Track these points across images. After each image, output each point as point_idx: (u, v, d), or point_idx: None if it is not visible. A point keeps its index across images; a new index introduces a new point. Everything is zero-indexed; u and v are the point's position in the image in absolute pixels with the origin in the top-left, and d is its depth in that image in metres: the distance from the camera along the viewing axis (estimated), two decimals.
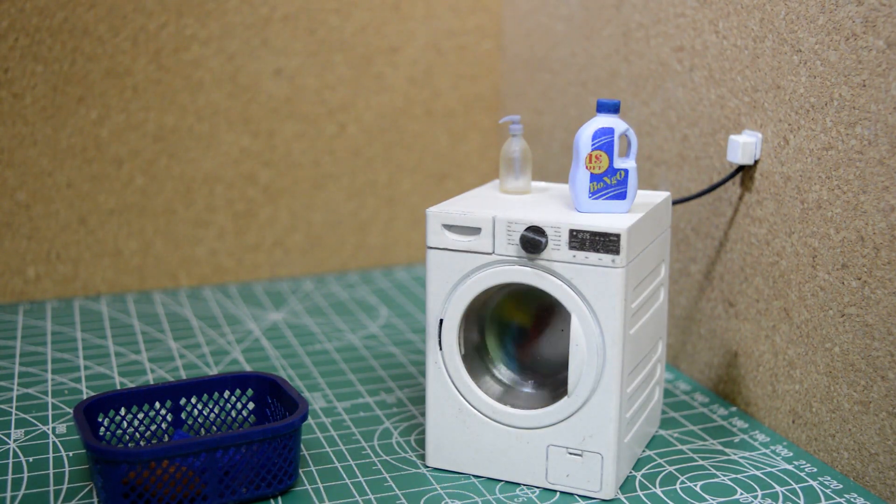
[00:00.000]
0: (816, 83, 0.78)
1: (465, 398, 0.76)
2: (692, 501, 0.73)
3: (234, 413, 0.83)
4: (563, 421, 0.73)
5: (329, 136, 1.31)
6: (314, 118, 1.29)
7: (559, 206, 0.75)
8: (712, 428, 0.86)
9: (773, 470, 0.78)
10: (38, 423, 0.87)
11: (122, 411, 0.79)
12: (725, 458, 0.80)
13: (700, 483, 0.76)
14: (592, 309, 0.70)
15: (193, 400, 0.82)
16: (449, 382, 0.76)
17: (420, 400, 0.92)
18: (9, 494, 0.74)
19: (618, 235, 0.68)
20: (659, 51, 0.94)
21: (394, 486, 0.76)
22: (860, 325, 0.75)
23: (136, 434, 0.80)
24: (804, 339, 0.81)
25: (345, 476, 0.78)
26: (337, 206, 1.33)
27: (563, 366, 0.76)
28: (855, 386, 0.76)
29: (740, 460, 0.80)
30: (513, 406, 0.75)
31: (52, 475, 0.77)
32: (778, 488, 0.75)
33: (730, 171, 0.88)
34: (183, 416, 0.81)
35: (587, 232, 0.69)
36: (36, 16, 1.15)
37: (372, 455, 0.81)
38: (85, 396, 0.92)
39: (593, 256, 0.69)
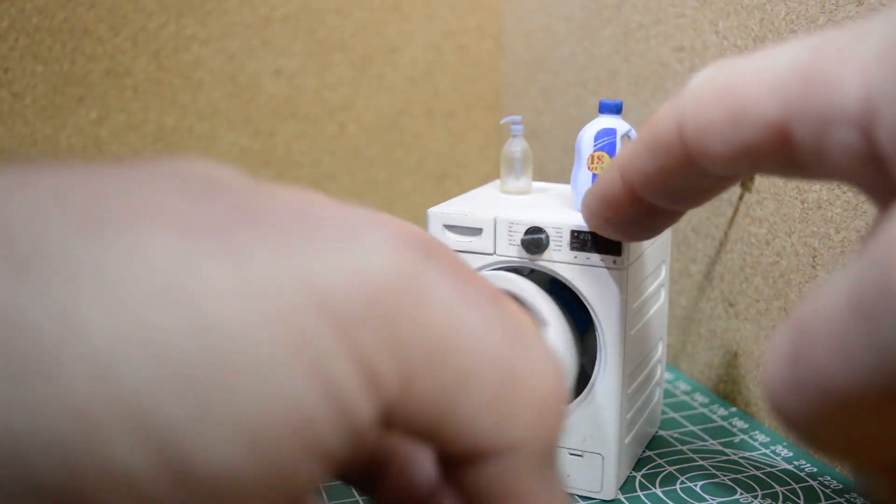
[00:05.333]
0: None
1: None
2: (692, 501, 0.73)
3: None
4: None
5: (329, 136, 1.31)
6: (314, 118, 1.29)
7: (560, 207, 0.76)
8: (712, 428, 0.86)
9: (773, 470, 0.78)
10: None
11: None
12: (725, 458, 0.80)
13: (700, 483, 0.76)
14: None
15: None
16: None
17: None
18: None
19: None
20: (659, 51, 0.95)
21: None
22: None
23: None
24: None
25: None
26: None
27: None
28: None
29: (740, 460, 0.80)
30: None
31: None
32: (778, 488, 0.75)
33: None
34: None
35: (589, 232, 0.69)
36: (36, 16, 1.15)
37: None
38: None
39: (594, 257, 0.69)
